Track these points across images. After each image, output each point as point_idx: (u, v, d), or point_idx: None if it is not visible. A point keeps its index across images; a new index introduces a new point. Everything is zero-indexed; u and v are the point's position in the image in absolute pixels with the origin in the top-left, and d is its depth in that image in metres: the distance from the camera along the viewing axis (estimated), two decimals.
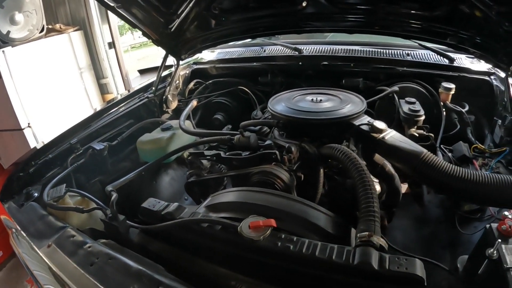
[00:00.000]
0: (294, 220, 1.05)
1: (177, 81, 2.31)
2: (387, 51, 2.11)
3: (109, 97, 4.67)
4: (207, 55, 2.64)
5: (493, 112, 1.83)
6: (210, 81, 2.36)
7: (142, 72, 5.78)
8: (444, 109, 1.81)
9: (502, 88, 1.81)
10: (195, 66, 2.53)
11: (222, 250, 1.01)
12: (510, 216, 0.98)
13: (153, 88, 2.18)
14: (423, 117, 1.62)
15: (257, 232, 0.91)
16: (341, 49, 2.20)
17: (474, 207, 1.43)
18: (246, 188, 1.20)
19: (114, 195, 1.19)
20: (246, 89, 2.15)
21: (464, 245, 1.30)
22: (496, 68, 1.82)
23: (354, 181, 1.13)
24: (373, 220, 0.97)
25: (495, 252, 0.87)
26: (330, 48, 2.23)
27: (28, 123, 3.54)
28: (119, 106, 2.01)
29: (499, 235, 0.93)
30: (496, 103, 1.84)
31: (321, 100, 1.58)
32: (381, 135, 1.36)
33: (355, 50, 2.17)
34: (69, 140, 1.66)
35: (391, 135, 1.37)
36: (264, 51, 2.40)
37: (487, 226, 0.99)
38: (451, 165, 1.19)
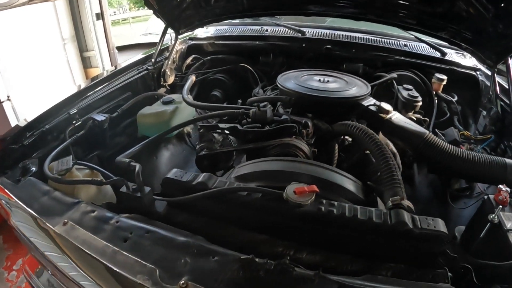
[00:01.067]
0: (330, 187, 1.11)
1: (174, 56, 2.31)
2: (385, 40, 2.21)
3: (92, 71, 4.48)
4: (202, 32, 2.65)
5: (477, 104, 1.99)
6: (208, 57, 2.36)
7: (120, 49, 5.66)
8: (436, 98, 1.94)
9: (487, 83, 1.96)
10: (191, 42, 2.51)
11: (261, 218, 1.02)
12: (504, 189, 1.10)
13: (152, 60, 2.15)
14: (420, 103, 1.74)
15: (302, 197, 0.94)
16: (342, 34, 2.27)
17: (463, 185, 1.57)
18: (276, 158, 1.24)
19: (138, 166, 1.13)
20: (249, 67, 2.19)
21: (455, 218, 1.42)
22: (483, 65, 1.96)
23: (374, 154, 1.23)
24: (399, 187, 1.09)
25: (496, 217, 0.99)
26: (332, 33, 2.29)
27: (8, 96, 3.37)
28: (117, 77, 1.95)
29: (496, 205, 1.06)
30: (480, 96, 2.00)
31: (328, 80, 1.65)
32: (388, 116, 1.47)
33: (355, 37, 2.25)
34: (67, 110, 1.57)
35: (396, 116, 1.48)
36: (267, 30, 2.42)
37: (485, 197, 1.11)
38: (451, 146, 1.32)
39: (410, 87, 1.84)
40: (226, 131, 1.46)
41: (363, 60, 2.08)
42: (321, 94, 1.50)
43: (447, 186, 1.58)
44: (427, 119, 1.74)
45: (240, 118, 1.51)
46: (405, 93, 1.77)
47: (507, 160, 1.30)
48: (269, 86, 2.08)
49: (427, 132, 1.42)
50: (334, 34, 2.28)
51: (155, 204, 1.11)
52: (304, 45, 2.20)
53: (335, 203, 0.99)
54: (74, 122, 1.54)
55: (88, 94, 1.73)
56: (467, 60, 2.18)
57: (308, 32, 2.31)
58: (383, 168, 1.15)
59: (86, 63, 4.54)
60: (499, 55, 1.76)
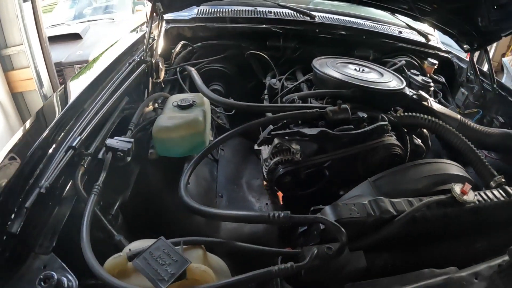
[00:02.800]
0: (464, 179, 1.19)
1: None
2: (384, 27, 2.35)
3: (17, 74, 3.31)
4: (178, 14, 2.24)
5: (453, 83, 2.32)
6: (199, 44, 2.06)
7: None
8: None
9: (461, 64, 2.30)
10: (169, 26, 2.14)
11: (433, 226, 1.02)
12: None
13: (145, 50, 1.70)
14: (433, 87, 1.94)
15: (466, 196, 1.01)
16: (346, 20, 2.27)
17: None
18: (410, 165, 1.23)
19: None
20: (263, 54, 2.01)
21: None
22: (465, 50, 2.25)
23: (453, 143, 1.36)
24: (490, 168, 1.24)
25: None
26: (336, 18, 2.27)
27: None
28: (109, 79, 1.44)
29: None
30: (455, 76, 2.34)
31: (363, 70, 1.67)
32: (429, 103, 1.61)
33: (359, 22, 2.28)
34: (64, 143, 1.03)
35: (434, 103, 1.64)
36: (270, 12, 2.22)
37: None
38: (480, 126, 1.56)
39: (416, 72, 2.03)
40: (314, 137, 1.27)
41: (372, 46, 2.16)
42: (374, 86, 1.48)
43: None
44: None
45: (317, 119, 1.38)
46: (419, 78, 1.95)
47: None
48: (279, 74, 1.97)
49: (459, 116, 1.63)
50: (339, 19, 2.27)
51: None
52: (317, 30, 2.12)
53: (476, 192, 1.08)
54: (82, 163, 1.03)
55: (79, 111, 1.18)
56: (439, 44, 2.49)
57: (318, 16, 2.21)
58: (470, 156, 1.31)
59: (5, 64, 3.27)
60: (481, 43, 2.07)
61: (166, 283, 0.66)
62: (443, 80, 2.20)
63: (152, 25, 1.89)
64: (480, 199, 1.06)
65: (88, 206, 0.88)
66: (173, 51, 1.97)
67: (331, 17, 2.28)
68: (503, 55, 4.57)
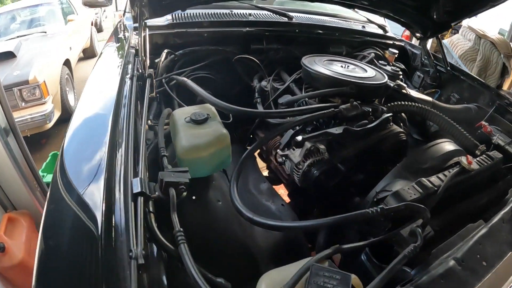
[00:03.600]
0: (461, 152, 1.45)
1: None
2: (349, 23, 2.54)
3: None
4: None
5: (408, 68, 2.61)
6: (181, 51, 1.97)
7: None
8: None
9: (414, 51, 2.59)
10: (149, 32, 1.94)
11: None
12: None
13: (145, 62, 1.62)
14: (401, 74, 2.17)
15: (472, 164, 1.28)
16: (318, 18, 2.40)
17: None
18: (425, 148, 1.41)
19: None
20: (253, 58, 2.00)
21: None
22: (417, 38, 2.53)
23: (438, 122, 1.60)
24: (473, 140, 1.55)
25: None
26: (309, 17, 2.38)
27: None
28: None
29: None
30: (410, 61, 2.63)
31: (348, 66, 1.79)
32: (408, 91, 1.83)
33: (330, 20, 2.43)
34: (116, 190, 0.83)
35: (410, 90, 1.86)
36: (250, 15, 2.23)
37: None
38: (446, 104, 1.84)
39: (384, 62, 2.25)
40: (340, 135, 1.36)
41: (344, 42, 2.33)
42: (367, 82, 1.59)
43: None
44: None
45: (334, 116, 1.47)
46: (388, 68, 2.17)
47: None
48: (266, 76, 2.01)
49: (431, 98, 1.89)
50: (312, 18, 2.38)
51: None
52: (297, 30, 2.20)
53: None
54: (151, 209, 0.87)
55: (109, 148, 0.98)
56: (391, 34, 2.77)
57: (295, 16, 2.29)
58: (453, 130, 1.56)
59: None
60: (434, 32, 2.36)
61: None
62: (403, 67, 2.46)
63: (131, 34, 1.85)
64: (479, 165, 1.30)
65: (187, 260, 0.76)
66: (157, 60, 1.85)
67: (305, 17, 2.38)
68: (443, 37, 5.12)
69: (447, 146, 1.42)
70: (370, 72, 1.74)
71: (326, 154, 1.33)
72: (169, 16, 2.13)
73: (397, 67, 2.40)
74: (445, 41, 4.16)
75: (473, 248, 0.94)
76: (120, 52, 1.72)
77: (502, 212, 1.10)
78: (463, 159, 1.25)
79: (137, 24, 1.80)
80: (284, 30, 2.17)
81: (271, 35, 2.12)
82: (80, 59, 5.81)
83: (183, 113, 1.34)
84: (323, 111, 1.41)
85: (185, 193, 0.96)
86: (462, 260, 0.90)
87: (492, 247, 0.97)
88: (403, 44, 2.66)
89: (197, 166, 1.21)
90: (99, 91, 1.43)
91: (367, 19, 2.58)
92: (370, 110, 1.50)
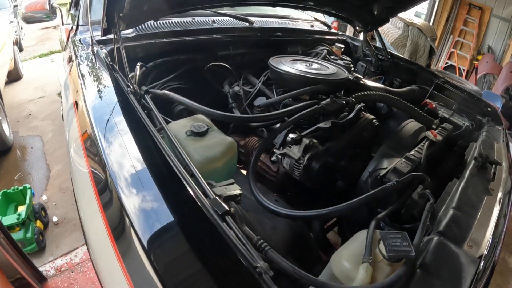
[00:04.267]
0: (423, 129, 1.74)
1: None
2: (299, 23, 2.72)
3: None
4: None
5: (351, 59, 2.88)
6: (151, 63, 1.91)
7: None
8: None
9: (355, 43, 2.88)
10: (117, 45, 1.78)
11: None
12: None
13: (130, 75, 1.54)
14: (352, 67, 2.41)
15: (437, 136, 1.58)
16: (275, 21, 2.53)
17: None
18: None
19: None
20: (226, 65, 2.07)
21: None
22: (358, 32, 2.80)
23: (397, 106, 1.84)
24: (428, 116, 1.85)
25: None
26: (266, 20, 2.51)
27: None
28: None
29: None
30: (351, 52, 2.90)
31: (312, 65, 1.95)
32: (364, 82, 2.06)
33: (284, 22, 2.58)
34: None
35: (367, 81, 2.10)
36: (214, 22, 2.27)
37: None
38: (394, 88, 2.17)
39: (335, 57, 2.48)
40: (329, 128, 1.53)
41: (299, 41, 2.50)
42: (335, 77, 1.78)
43: None
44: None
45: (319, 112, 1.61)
46: (340, 62, 2.40)
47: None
48: (234, 82, 2.09)
49: (382, 85, 2.15)
50: (269, 21, 2.51)
51: None
52: (259, 34, 2.30)
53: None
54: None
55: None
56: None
57: (255, 21, 2.38)
58: (411, 111, 1.84)
59: None
60: (374, 25, 2.64)
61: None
62: (349, 58, 2.72)
63: (95, 50, 1.74)
64: (441, 136, 1.57)
65: (285, 264, 0.82)
66: (132, 75, 1.70)
67: (263, 20, 2.50)
68: None
69: (414, 125, 1.66)
70: (332, 68, 1.93)
71: (320, 147, 1.48)
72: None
73: (344, 59, 2.66)
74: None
75: (461, 198, 1.19)
76: (94, 73, 1.60)
77: (469, 169, 1.38)
78: (429, 134, 1.49)
79: (104, 37, 1.77)
80: (248, 35, 2.27)
81: (237, 40, 2.20)
82: (5, 83, 5.31)
83: (179, 127, 1.35)
84: (310, 109, 1.55)
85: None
86: (458, 207, 1.13)
87: (472, 194, 1.24)
88: (344, 38, 2.92)
89: (211, 178, 1.16)
90: (102, 121, 1.24)
91: (314, 18, 2.79)
92: (345, 102, 1.68)
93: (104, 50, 1.69)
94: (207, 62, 2.06)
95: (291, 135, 1.46)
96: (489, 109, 2.23)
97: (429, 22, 6.76)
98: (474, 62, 6.96)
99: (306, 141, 1.45)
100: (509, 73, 5.95)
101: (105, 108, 1.28)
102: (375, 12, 2.44)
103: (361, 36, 2.86)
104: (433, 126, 1.80)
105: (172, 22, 2.13)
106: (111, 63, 1.56)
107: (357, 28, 2.73)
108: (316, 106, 1.57)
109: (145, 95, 1.35)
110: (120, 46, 1.52)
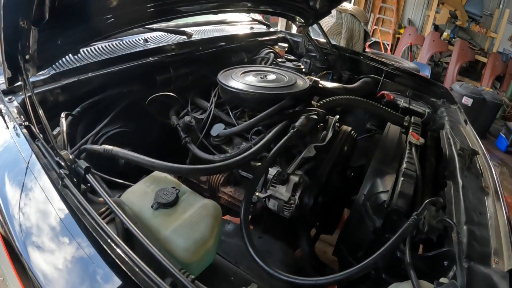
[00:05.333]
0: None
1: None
2: (238, 27, 2.50)
3: None
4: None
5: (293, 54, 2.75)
6: (78, 109, 1.45)
7: None
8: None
9: (295, 39, 2.76)
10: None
11: None
12: None
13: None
14: (303, 68, 2.27)
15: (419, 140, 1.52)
16: (213, 28, 2.28)
17: None
18: None
19: None
20: (171, 94, 1.72)
21: None
22: (298, 26, 2.67)
23: (363, 108, 1.77)
24: (398, 114, 1.76)
25: None
26: (203, 29, 2.24)
27: None
28: None
29: None
30: (292, 49, 2.78)
31: (266, 76, 1.72)
32: (324, 85, 1.94)
33: (221, 29, 2.34)
34: None
35: (325, 83, 1.97)
36: (147, 41, 1.89)
37: None
38: (351, 85, 2.08)
39: (283, 59, 2.32)
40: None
41: (242, 48, 2.27)
42: (298, 89, 1.59)
43: None
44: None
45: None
46: (290, 64, 2.24)
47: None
48: (181, 110, 1.77)
49: (341, 85, 2.07)
50: (207, 30, 2.26)
51: None
52: (200, 48, 2.00)
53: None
54: None
55: None
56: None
57: (194, 33, 2.08)
58: (379, 110, 1.78)
59: None
60: (315, 19, 2.53)
61: None
62: (294, 57, 2.58)
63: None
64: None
65: None
66: (56, 131, 1.31)
67: (200, 30, 2.23)
68: None
69: (394, 131, 1.57)
70: (289, 77, 1.73)
71: (307, 180, 1.32)
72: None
73: (289, 59, 2.52)
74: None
75: (467, 207, 1.13)
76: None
77: (457, 168, 1.32)
78: (412, 138, 1.40)
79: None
80: (189, 51, 1.95)
81: (177, 60, 1.86)
82: None
83: (138, 197, 1.02)
84: (286, 137, 1.35)
85: None
86: (471, 220, 1.08)
87: (473, 199, 1.18)
88: (283, 35, 2.78)
89: (206, 259, 1.00)
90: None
91: (252, 18, 2.60)
92: (316, 117, 1.52)
93: (15, 103, 1.28)
94: (146, 92, 1.69)
95: (273, 174, 1.27)
96: (442, 90, 2.24)
97: (350, 3, 6.94)
98: (397, 36, 7.33)
99: (295, 179, 1.27)
100: (432, 42, 6.34)
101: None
102: (317, 6, 2.32)
103: (294, 29, 2.74)
104: (404, 123, 1.72)
105: (96, 49, 1.70)
106: (26, 123, 1.14)
107: (298, 23, 2.60)
108: (292, 131, 1.38)
109: (87, 175, 0.96)
110: (32, 97, 1.13)
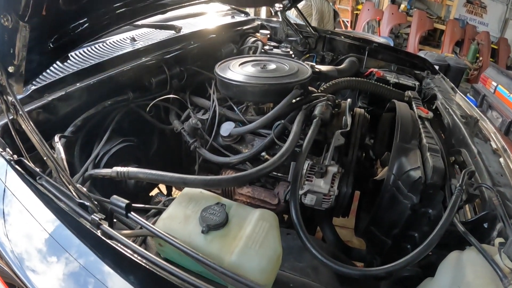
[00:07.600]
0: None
1: None
2: (222, 18, 2.43)
3: None
4: None
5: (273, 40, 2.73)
6: (71, 128, 1.28)
7: None
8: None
9: (273, 25, 2.74)
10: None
11: None
12: None
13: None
14: (292, 53, 2.25)
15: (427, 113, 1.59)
16: (194, 22, 2.19)
17: None
18: None
19: None
20: (179, 97, 1.66)
21: None
22: (275, 11, 2.63)
23: (363, 88, 1.81)
24: (397, 90, 1.81)
25: None
26: (187, 22, 2.14)
27: None
28: None
29: None
30: (272, 35, 2.75)
31: (265, 66, 1.64)
32: (320, 69, 1.95)
33: (206, 20, 2.28)
34: None
35: (320, 67, 1.98)
36: (135, 40, 1.73)
37: None
38: (340, 66, 2.17)
39: (271, 47, 2.29)
40: None
41: (229, 39, 2.21)
42: (303, 76, 1.55)
43: None
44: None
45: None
46: (278, 51, 2.20)
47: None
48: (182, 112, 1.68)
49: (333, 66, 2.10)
50: (191, 22, 2.16)
51: None
52: (192, 42, 1.89)
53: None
54: None
55: None
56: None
57: (183, 27, 1.96)
58: (380, 89, 1.83)
59: None
60: (292, 3, 2.51)
61: None
62: (275, 43, 2.56)
63: None
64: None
65: None
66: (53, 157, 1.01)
67: (185, 23, 2.11)
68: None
69: (404, 108, 1.57)
70: (293, 65, 1.68)
71: (341, 168, 1.31)
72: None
73: (275, 46, 2.50)
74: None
75: (490, 171, 1.21)
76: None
77: (468, 137, 1.39)
78: (422, 113, 1.45)
79: None
80: (181, 48, 1.82)
81: (170, 57, 1.73)
82: None
83: (178, 225, 0.88)
84: (312, 129, 1.33)
85: None
86: (494, 184, 1.14)
87: (491, 162, 1.27)
88: (261, 22, 2.74)
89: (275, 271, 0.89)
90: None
91: (232, 7, 2.54)
92: (330, 103, 1.51)
93: None
94: (142, 97, 1.58)
95: (306, 168, 1.26)
96: (425, 63, 2.32)
97: None
98: (355, 12, 7.46)
99: (333, 169, 1.25)
100: (391, 15, 6.51)
101: None
102: None
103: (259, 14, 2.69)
104: (405, 98, 1.77)
105: (78, 54, 1.53)
106: (15, 157, 0.93)
107: (276, 8, 2.58)
108: (315, 121, 1.36)
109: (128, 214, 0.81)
110: (24, 119, 0.92)
